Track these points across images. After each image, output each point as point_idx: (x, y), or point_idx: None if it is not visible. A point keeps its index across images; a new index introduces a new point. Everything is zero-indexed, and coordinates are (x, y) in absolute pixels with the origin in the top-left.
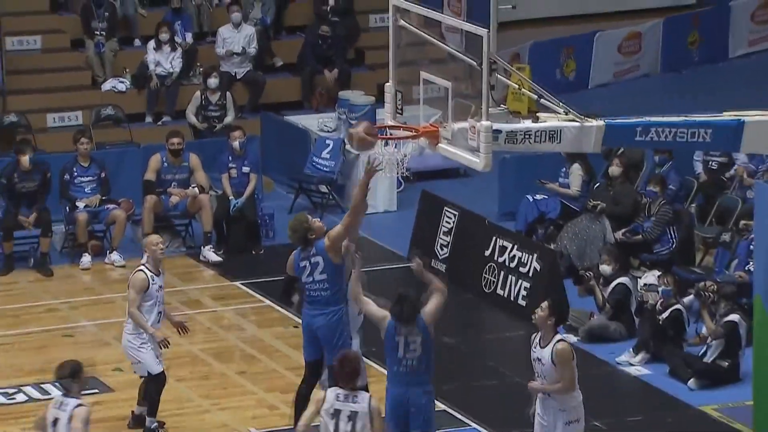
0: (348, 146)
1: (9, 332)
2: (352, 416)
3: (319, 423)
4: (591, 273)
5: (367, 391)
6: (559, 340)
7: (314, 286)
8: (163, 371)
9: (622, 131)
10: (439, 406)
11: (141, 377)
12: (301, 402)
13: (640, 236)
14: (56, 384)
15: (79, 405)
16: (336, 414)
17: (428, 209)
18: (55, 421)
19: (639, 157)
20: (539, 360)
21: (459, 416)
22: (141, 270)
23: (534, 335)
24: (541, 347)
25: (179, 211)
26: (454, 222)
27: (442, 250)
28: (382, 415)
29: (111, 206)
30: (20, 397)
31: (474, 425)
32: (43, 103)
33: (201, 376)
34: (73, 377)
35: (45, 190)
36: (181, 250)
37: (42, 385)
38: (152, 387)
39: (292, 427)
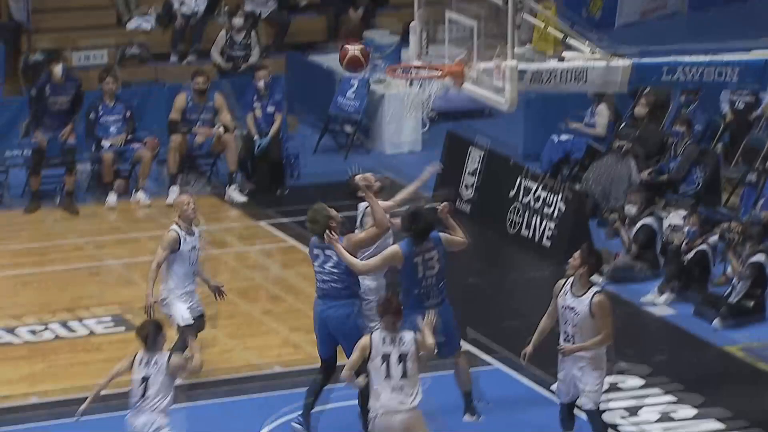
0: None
1: (35, 270)
2: (402, 358)
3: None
4: (616, 216)
5: None
6: (596, 292)
7: (325, 277)
8: (194, 321)
9: (649, 70)
10: (464, 346)
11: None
12: (316, 395)
13: (666, 176)
14: (143, 341)
15: (170, 356)
16: (386, 358)
17: (453, 149)
18: (145, 380)
19: (665, 97)
20: (571, 309)
21: (483, 357)
22: (173, 229)
23: (562, 282)
24: (574, 295)
25: (204, 151)
26: (479, 162)
27: (466, 190)
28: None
29: (136, 145)
30: (47, 335)
31: (498, 366)
32: (68, 42)
33: (227, 315)
34: (157, 333)
35: (77, 108)
36: (206, 190)
37: (68, 323)
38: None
39: (303, 414)
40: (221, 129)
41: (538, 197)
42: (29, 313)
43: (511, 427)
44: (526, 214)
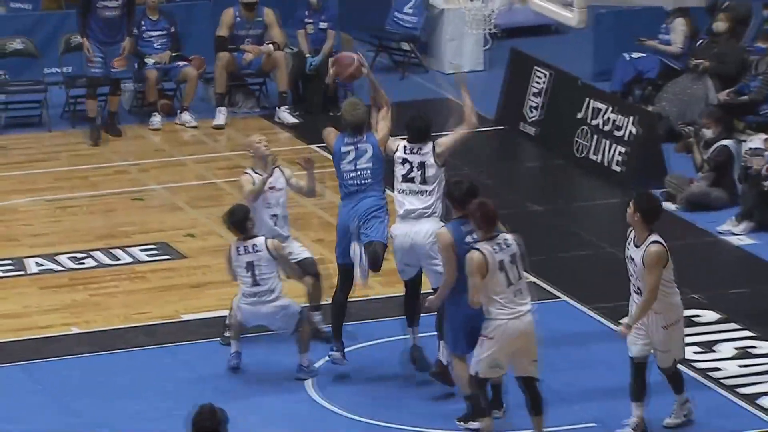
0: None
1: (77, 194)
2: (514, 260)
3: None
4: (691, 128)
5: None
6: (653, 242)
7: (354, 174)
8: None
9: None
10: (527, 277)
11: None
12: (339, 310)
13: (746, 97)
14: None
15: (267, 240)
16: (502, 266)
17: (517, 69)
18: (250, 264)
19: (746, 11)
20: (632, 260)
21: (548, 288)
22: (246, 172)
23: (630, 231)
24: (635, 246)
25: (253, 70)
26: (545, 82)
27: (531, 112)
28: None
29: (182, 63)
30: (89, 262)
31: (564, 298)
32: None
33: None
34: (246, 219)
35: (130, 18)
36: (255, 111)
37: (111, 250)
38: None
39: (335, 343)
40: (271, 46)
41: (608, 119)
42: (70, 240)
43: (580, 362)
44: (595, 137)
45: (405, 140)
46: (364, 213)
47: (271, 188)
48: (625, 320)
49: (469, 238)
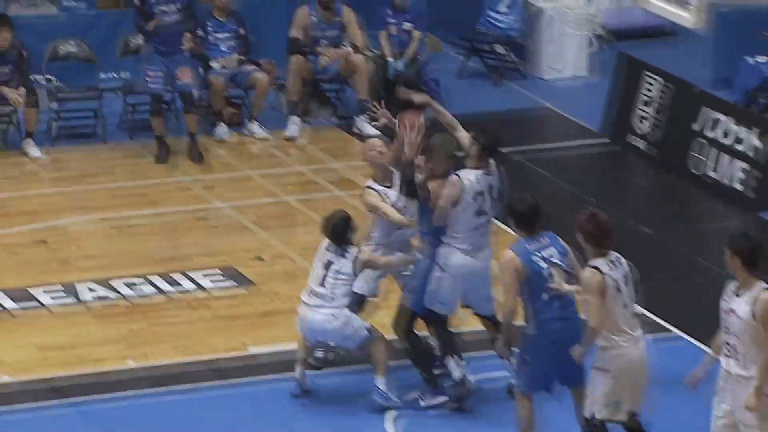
0: None
1: (134, 213)
2: (627, 280)
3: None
4: None
5: None
6: (764, 289)
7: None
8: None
9: None
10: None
11: None
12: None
13: None
14: (332, 242)
15: (359, 252)
16: (618, 287)
17: (626, 75)
18: (329, 264)
19: None
20: (732, 312)
21: (660, 321)
22: (370, 187)
23: (730, 282)
24: (735, 294)
25: (330, 75)
26: (657, 90)
27: (641, 123)
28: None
29: (251, 68)
30: (147, 289)
31: (678, 333)
32: None
33: None
34: (347, 229)
35: (191, 21)
36: (332, 121)
37: (172, 275)
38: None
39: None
40: (350, 49)
41: (728, 132)
42: (126, 264)
43: (697, 407)
44: (714, 152)
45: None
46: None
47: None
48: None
49: (536, 257)
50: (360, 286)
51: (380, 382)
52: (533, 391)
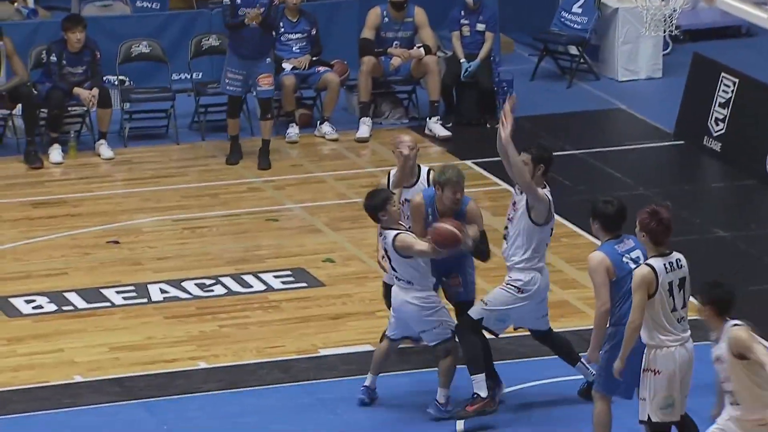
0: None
1: (206, 214)
2: (682, 283)
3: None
4: None
5: None
6: (733, 325)
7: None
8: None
9: None
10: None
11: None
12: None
13: None
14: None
15: (398, 234)
16: (670, 288)
17: (701, 76)
18: (385, 251)
19: None
20: (719, 359)
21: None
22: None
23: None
24: (716, 342)
25: (401, 76)
26: (732, 91)
27: (717, 125)
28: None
29: (322, 69)
30: (218, 290)
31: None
32: None
33: None
34: (383, 206)
35: (271, 22)
36: (404, 122)
37: (243, 276)
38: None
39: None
40: (422, 50)
41: None
42: (198, 265)
43: None
44: None
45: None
46: None
47: (408, 201)
48: None
49: (626, 259)
50: (389, 276)
51: (440, 395)
52: (612, 393)
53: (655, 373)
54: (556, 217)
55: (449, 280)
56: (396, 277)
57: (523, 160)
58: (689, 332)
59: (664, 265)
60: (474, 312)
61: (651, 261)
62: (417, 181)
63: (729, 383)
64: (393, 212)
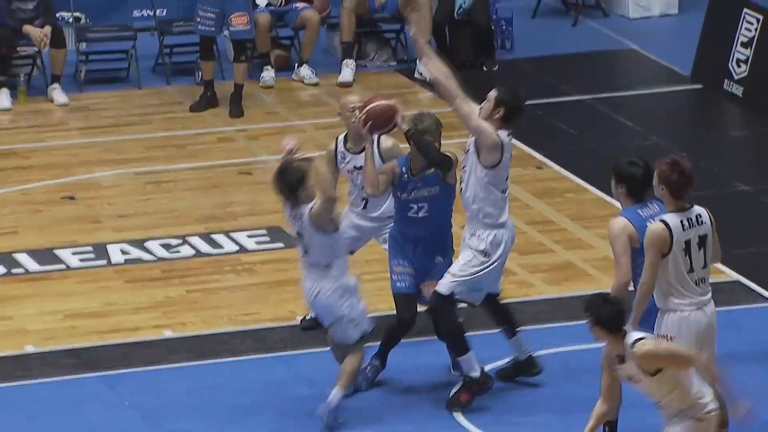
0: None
1: (171, 167)
2: (703, 242)
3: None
4: None
5: None
6: (633, 342)
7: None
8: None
9: None
10: (732, 275)
11: None
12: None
13: None
14: (285, 196)
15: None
16: (687, 247)
17: (721, 12)
18: (299, 236)
19: None
20: (633, 380)
21: (756, 289)
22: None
23: None
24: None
25: (388, 13)
26: (756, 29)
27: (739, 67)
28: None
29: (300, 5)
30: (186, 251)
31: None
32: None
33: None
34: (298, 186)
35: None
36: (391, 65)
37: (213, 236)
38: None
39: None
40: None
41: None
42: (163, 223)
43: None
44: None
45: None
46: None
47: (359, 168)
48: None
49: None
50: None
51: (334, 395)
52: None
53: (668, 340)
54: (560, 169)
55: (424, 287)
56: (310, 264)
57: (488, 97)
58: (710, 295)
59: (681, 221)
60: (444, 287)
61: (666, 217)
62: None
63: (656, 398)
64: (310, 187)
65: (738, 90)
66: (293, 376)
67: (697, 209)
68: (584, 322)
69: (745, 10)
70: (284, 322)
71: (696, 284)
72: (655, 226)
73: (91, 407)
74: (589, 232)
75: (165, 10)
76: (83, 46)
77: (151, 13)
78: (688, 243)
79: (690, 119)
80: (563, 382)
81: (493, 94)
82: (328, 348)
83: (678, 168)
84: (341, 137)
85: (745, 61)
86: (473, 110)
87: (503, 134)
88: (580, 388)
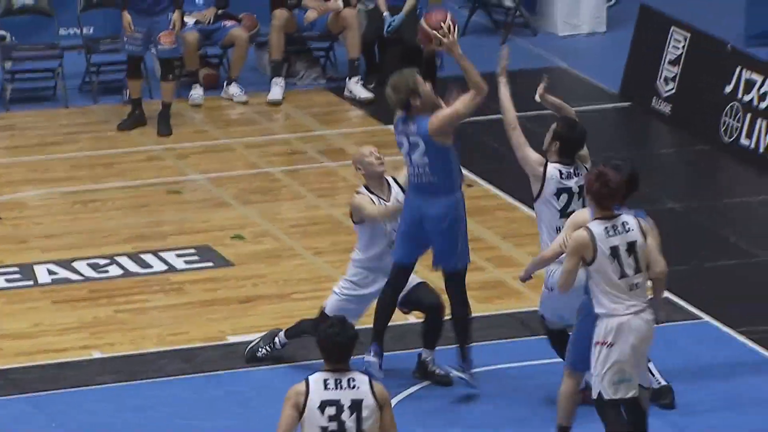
0: None
1: (99, 186)
2: (632, 248)
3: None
4: None
5: None
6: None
7: (417, 170)
8: None
9: None
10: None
11: None
12: (384, 311)
13: None
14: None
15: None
16: (614, 253)
17: (649, 31)
18: None
19: None
20: None
21: (686, 306)
22: (360, 192)
23: None
24: None
25: (318, 31)
26: (684, 48)
27: (666, 85)
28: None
29: (229, 23)
30: (114, 270)
31: (707, 319)
32: None
33: (343, 248)
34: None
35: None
36: (320, 83)
37: (141, 256)
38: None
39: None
40: (340, 2)
41: (765, 94)
42: (90, 243)
43: (725, 399)
44: (748, 117)
45: None
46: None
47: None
48: None
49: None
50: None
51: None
52: (582, 369)
53: (605, 346)
54: (490, 187)
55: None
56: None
57: (550, 128)
58: (646, 303)
59: (606, 228)
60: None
61: (591, 224)
62: (390, 194)
63: None
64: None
65: (666, 107)
66: (223, 395)
67: (624, 217)
68: (517, 339)
69: (673, 27)
70: (213, 342)
71: (630, 289)
72: (578, 233)
73: (18, 429)
74: (520, 249)
75: (92, 28)
76: (9, 64)
77: (78, 32)
78: (615, 249)
79: (618, 137)
80: (497, 400)
81: (552, 126)
82: (259, 367)
83: (602, 179)
84: (363, 189)
85: (673, 79)
86: (523, 141)
87: (552, 168)
88: (514, 406)
